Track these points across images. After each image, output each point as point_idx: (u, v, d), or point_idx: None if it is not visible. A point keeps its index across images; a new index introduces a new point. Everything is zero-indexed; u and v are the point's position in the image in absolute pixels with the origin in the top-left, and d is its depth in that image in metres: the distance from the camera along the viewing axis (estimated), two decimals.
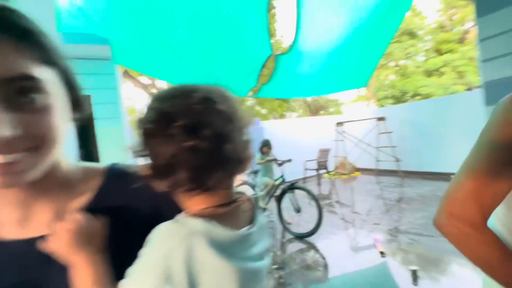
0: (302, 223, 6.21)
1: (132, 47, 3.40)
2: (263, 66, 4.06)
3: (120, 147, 3.41)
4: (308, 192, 5.73)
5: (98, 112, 3.49)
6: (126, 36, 3.21)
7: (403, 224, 5.99)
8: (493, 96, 2.62)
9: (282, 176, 6.41)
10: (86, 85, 3.21)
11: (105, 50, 3.41)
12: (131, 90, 17.94)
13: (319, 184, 11.61)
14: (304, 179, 12.29)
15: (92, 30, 3.10)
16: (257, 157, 6.79)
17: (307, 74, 4.38)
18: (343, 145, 12.55)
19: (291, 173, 11.46)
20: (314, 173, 12.29)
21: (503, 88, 2.54)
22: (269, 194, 6.49)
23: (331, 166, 12.96)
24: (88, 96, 3.34)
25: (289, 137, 12.62)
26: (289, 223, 6.41)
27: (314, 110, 27.25)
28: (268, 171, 6.76)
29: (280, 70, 4.14)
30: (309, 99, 27.23)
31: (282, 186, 6.32)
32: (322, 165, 11.96)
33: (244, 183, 7.34)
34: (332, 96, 27.06)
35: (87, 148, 3.39)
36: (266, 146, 6.82)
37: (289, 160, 6.60)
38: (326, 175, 12.79)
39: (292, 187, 6.04)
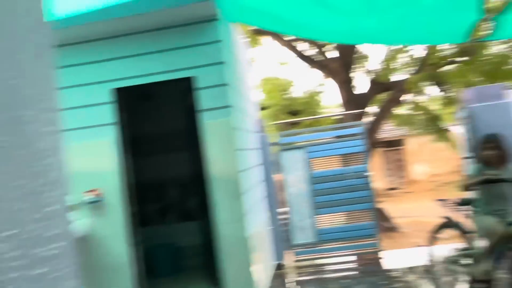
0: None
1: None
2: None
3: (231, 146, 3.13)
4: None
5: (205, 101, 3.03)
6: None
7: None
8: None
9: None
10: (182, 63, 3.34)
11: (206, 6, 2.96)
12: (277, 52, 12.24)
13: None
14: None
15: None
16: (472, 169, 3.92)
17: None
18: None
19: None
20: None
21: None
22: (495, 251, 3.58)
23: None
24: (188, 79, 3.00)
25: None
26: None
27: None
28: (494, 202, 3.72)
29: None
30: None
31: None
32: None
33: (450, 223, 4.38)
34: None
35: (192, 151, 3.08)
36: (491, 148, 3.77)
37: None
38: None
39: None
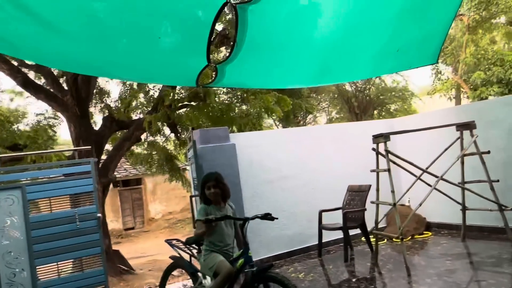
0: None
1: None
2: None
3: None
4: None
5: None
6: None
7: None
8: None
9: (244, 252, 3.50)
10: None
11: None
12: None
13: (346, 257, 6.23)
14: (319, 248, 6.74)
15: None
16: (199, 212, 3.69)
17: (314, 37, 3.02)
18: (394, 179, 6.78)
19: (282, 238, 6.29)
20: (338, 234, 6.71)
21: None
22: None
23: (370, 220, 6.34)
24: None
25: (289, 164, 7.13)
26: None
27: (361, 110, 19.42)
28: (219, 240, 3.68)
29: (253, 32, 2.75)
30: (348, 87, 19.31)
31: (246, 273, 3.44)
32: (354, 219, 6.47)
33: (179, 263, 4.30)
34: (394, 82, 19.07)
35: None
36: (212, 186, 3.71)
37: (268, 216, 3.63)
38: (364, 238, 6.96)
39: (262, 276, 3.36)
